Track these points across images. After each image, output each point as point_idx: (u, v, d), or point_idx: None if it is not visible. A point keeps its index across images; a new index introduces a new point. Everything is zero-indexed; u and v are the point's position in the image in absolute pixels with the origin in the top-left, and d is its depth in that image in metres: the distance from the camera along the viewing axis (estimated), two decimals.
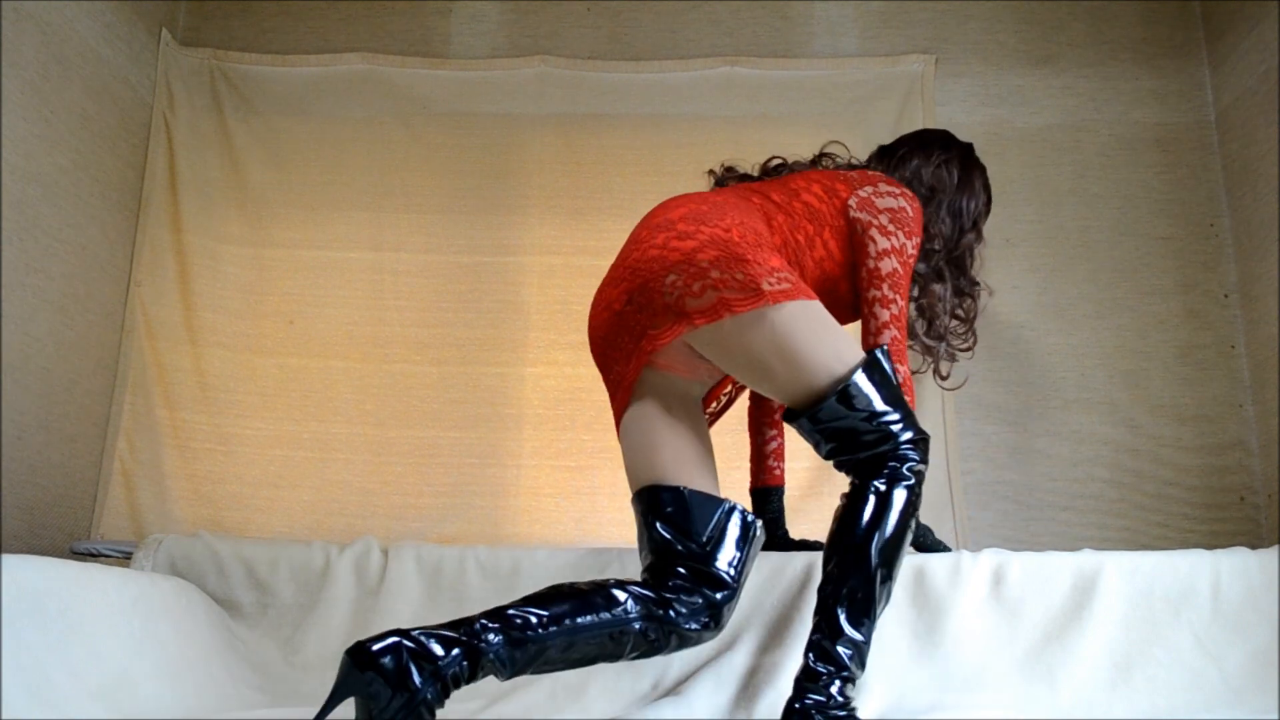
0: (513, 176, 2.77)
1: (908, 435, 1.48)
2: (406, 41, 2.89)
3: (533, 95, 2.82)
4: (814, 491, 2.52)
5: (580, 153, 2.77)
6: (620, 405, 1.58)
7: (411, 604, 1.99)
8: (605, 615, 1.37)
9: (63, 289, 2.36)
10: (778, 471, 2.01)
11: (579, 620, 1.35)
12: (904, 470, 1.47)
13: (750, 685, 1.77)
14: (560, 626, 1.34)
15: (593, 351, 1.62)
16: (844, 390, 1.45)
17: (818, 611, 1.46)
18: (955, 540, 2.48)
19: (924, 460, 1.50)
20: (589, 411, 2.61)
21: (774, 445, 2.01)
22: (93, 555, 2.23)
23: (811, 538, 2.07)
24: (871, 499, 1.46)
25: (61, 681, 1.37)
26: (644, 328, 1.47)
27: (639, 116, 2.78)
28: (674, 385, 1.59)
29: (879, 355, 1.51)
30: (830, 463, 1.55)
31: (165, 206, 2.70)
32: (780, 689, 1.73)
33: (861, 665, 1.43)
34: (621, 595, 1.39)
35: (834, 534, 1.48)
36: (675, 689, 1.80)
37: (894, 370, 1.52)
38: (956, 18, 2.84)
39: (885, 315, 1.64)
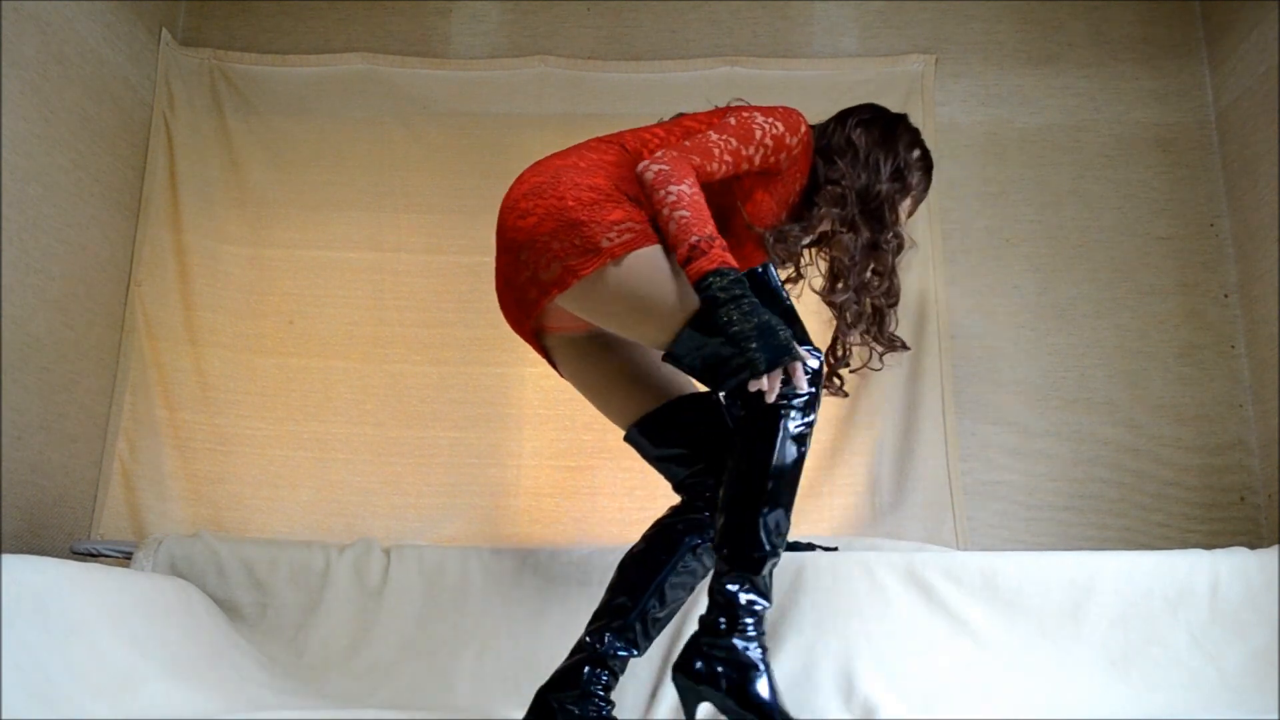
0: (513, 176, 2.73)
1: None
2: (406, 41, 2.89)
3: (533, 95, 2.82)
4: (814, 492, 2.52)
5: None
6: (548, 361, 1.74)
7: (414, 605, 1.99)
8: (673, 557, 1.58)
9: (63, 289, 2.36)
10: None
11: (657, 578, 1.57)
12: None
13: None
14: (646, 592, 1.56)
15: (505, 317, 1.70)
16: (695, 316, 1.43)
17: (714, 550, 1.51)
18: (955, 540, 2.48)
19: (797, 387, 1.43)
20: (589, 411, 2.57)
21: None
22: (93, 555, 2.23)
23: (804, 539, 2.08)
24: (754, 430, 1.47)
25: (63, 681, 1.37)
26: (522, 302, 1.57)
27: (639, 116, 2.75)
28: (578, 338, 1.68)
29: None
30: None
31: (165, 206, 2.70)
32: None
33: (751, 614, 1.44)
34: (674, 533, 1.59)
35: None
36: (657, 689, 1.81)
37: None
38: (956, 18, 2.84)
39: (688, 143, 1.55)
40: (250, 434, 2.60)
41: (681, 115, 1.77)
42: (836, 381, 1.79)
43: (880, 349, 1.77)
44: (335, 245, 2.73)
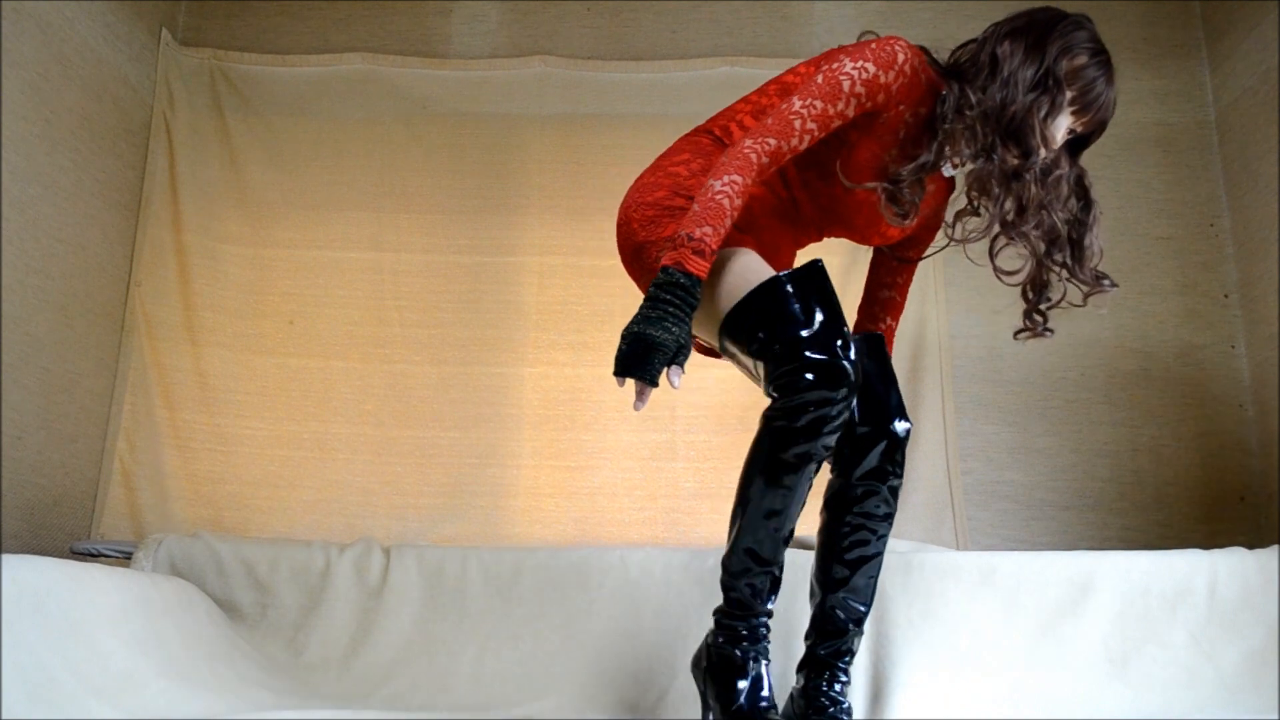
0: (513, 176, 2.77)
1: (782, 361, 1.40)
2: (406, 41, 2.89)
3: (533, 95, 2.82)
4: (814, 492, 2.50)
5: (580, 153, 2.77)
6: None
7: (413, 605, 1.99)
8: (833, 537, 1.65)
9: (63, 289, 2.36)
10: (882, 327, 1.82)
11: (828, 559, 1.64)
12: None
13: None
14: (829, 572, 1.63)
15: None
16: (726, 318, 1.43)
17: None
18: (955, 540, 2.48)
19: (794, 388, 1.36)
20: (589, 411, 2.61)
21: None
22: (93, 555, 2.23)
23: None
24: (751, 454, 1.48)
25: (64, 681, 1.37)
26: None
27: (639, 116, 2.78)
28: None
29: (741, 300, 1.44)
30: None
31: (165, 206, 2.70)
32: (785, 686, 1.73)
33: (739, 604, 1.46)
34: (834, 506, 1.68)
35: None
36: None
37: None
38: (956, 18, 2.84)
39: (770, 120, 1.47)
40: (250, 434, 2.60)
41: (794, 68, 1.71)
42: (1038, 319, 1.63)
43: (1084, 288, 1.58)
44: (335, 245, 2.73)
